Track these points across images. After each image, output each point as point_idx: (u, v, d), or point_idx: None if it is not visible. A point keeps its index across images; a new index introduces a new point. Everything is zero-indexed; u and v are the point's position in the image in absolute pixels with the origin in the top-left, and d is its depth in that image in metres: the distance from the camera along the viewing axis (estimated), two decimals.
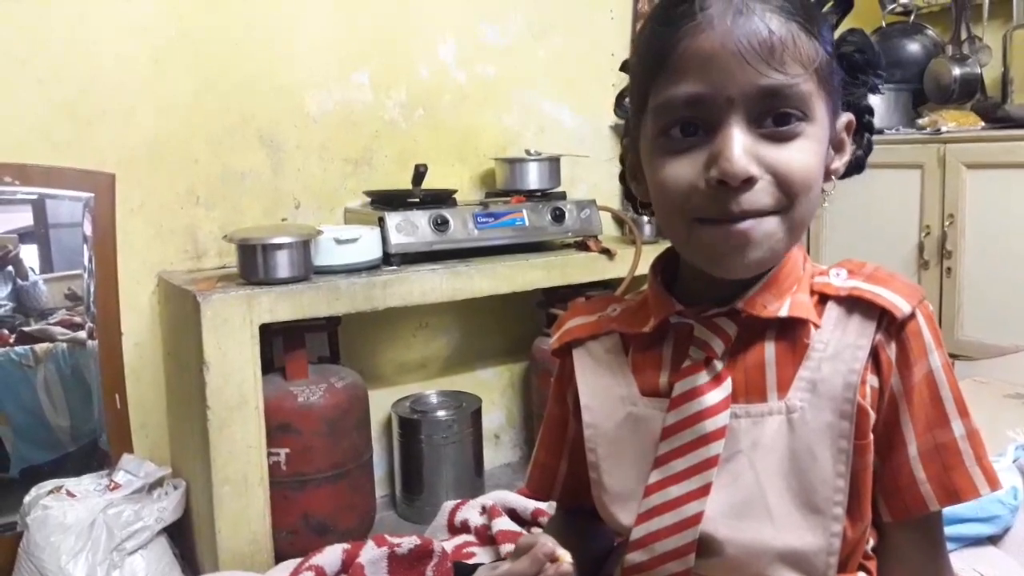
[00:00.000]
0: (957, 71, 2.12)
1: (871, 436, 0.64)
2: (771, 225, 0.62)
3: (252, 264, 1.79)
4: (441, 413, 2.22)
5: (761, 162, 0.60)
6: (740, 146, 0.59)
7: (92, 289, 1.93)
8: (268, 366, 1.97)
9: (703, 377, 0.66)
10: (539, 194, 2.31)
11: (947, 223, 1.94)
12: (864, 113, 0.71)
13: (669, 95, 0.62)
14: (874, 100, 2.26)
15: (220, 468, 1.74)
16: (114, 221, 1.93)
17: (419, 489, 2.20)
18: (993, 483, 0.64)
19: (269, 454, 1.82)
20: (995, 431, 1.35)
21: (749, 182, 0.60)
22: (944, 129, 1.96)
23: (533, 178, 2.31)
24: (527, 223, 2.17)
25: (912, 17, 2.30)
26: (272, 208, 2.13)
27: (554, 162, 2.34)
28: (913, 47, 2.25)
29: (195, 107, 2.01)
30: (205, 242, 2.05)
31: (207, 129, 2.04)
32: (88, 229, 1.92)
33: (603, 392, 0.73)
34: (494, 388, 2.54)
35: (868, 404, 0.64)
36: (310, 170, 2.17)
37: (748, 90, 0.59)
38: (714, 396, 0.65)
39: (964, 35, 2.14)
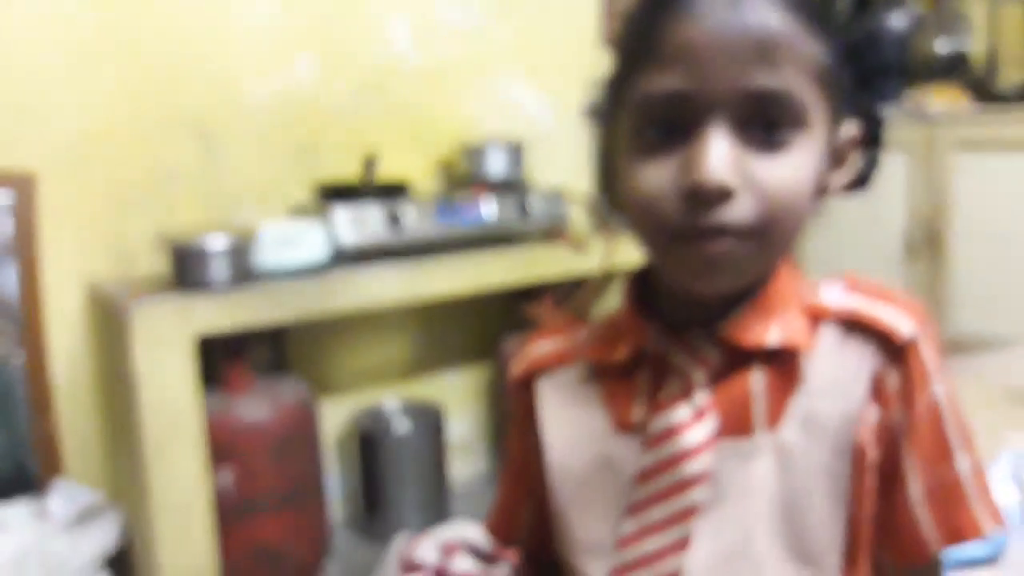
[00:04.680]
0: (942, 46, 2.01)
1: (871, 477, 0.58)
2: (746, 247, 0.55)
3: (186, 270, 1.64)
4: (402, 426, 2.08)
5: (743, 174, 0.54)
6: (719, 154, 0.53)
7: (14, 300, 1.77)
8: (209, 378, 1.82)
9: (683, 411, 0.59)
10: (503, 184, 2.16)
11: (936, 209, 1.83)
12: (873, 124, 0.64)
13: (648, 90, 0.56)
14: None
15: (159, 495, 1.59)
16: (36, 225, 1.76)
17: (380, 507, 2.06)
18: (997, 520, 0.59)
19: (213, 476, 1.68)
20: (990, 437, 1.25)
21: (726, 194, 0.53)
22: (931, 109, 1.85)
23: (496, 167, 2.16)
24: (491, 216, 2.03)
25: None
26: (210, 206, 1.96)
27: (517, 149, 2.20)
28: (897, 21, 2.14)
29: (122, 100, 1.84)
30: (136, 247, 1.88)
31: (135, 123, 1.87)
32: (8, 233, 1.75)
33: (571, 428, 0.66)
34: (460, 393, 2.40)
35: (868, 440, 0.57)
36: (250, 163, 2.00)
37: (736, 92, 0.53)
38: (696, 434, 0.58)
39: (948, 8, 2.04)
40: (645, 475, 0.60)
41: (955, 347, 1.83)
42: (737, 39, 0.53)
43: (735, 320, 0.59)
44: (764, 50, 0.53)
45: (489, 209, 2.02)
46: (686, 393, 0.59)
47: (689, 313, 0.60)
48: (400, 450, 2.04)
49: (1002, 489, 1.05)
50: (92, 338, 1.84)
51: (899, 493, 0.59)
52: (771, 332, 0.59)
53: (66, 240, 1.80)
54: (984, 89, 1.88)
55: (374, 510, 2.07)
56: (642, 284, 0.65)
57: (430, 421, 2.11)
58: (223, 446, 1.70)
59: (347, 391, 2.20)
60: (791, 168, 0.55)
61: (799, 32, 0.54)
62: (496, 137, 2.20)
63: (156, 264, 1.86)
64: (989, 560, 1.01)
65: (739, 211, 0.54)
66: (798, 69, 0.54)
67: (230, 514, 1.71)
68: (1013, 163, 1.72)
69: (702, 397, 0.59)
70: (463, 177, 2.19)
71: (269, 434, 1.74)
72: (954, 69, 2.00)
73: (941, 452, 0.58)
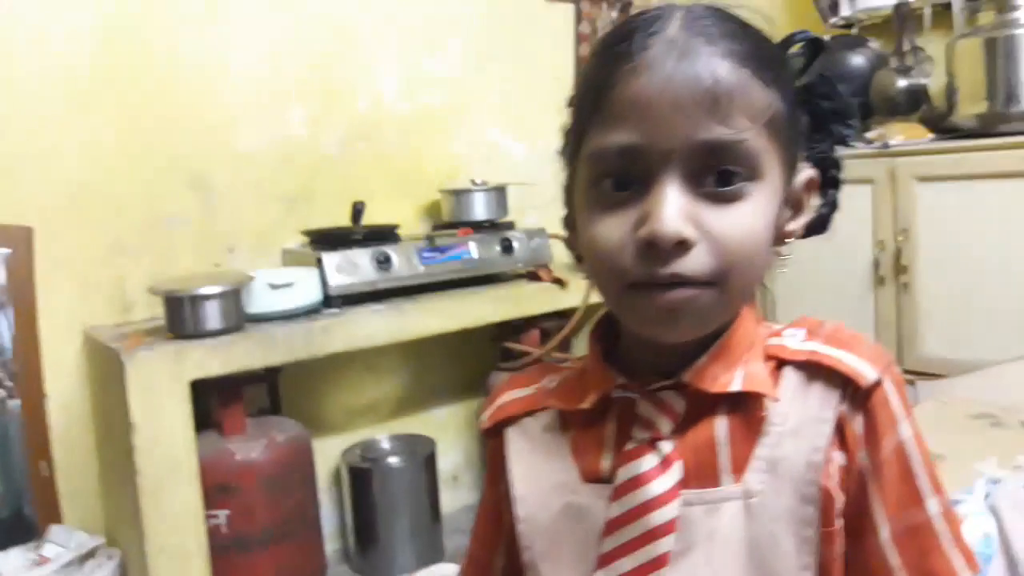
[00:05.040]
0: (902, 83, 2.10)
1: (839, 522, 0.57)
2: (706, 297, 0.55)
3: (180, 317, 1.68)
4: (393, 460, 2.12)
5: (698, 225, 0.54)
6: (674, 206, 0.53)
7: (11, 349, 1.81)
8: (205, 421, 1.86)
9: (649, 461, 0.58)
10: (487, 225, 2.23)
11: (901, 238, 1.90)
12: (830, 167, 0.65)
13: (602, 144, 0.56)
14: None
15: (155, 537, 1.62)
16: (33, 276, 1.81)
17: (373, 541, 2.09)
18: (972, 565, 0.58)
19: (208, 516, 1.71)
20: (961, 463, 1.30)
21: (682, 246, 0.53)
22: (892, 142, 1.93)
23: (480, 209, 2.24)
24: (475, 256, 2.10)
25: (855, 29, 2.28)
26: (205, 253, 2.02)
27: (501, 191, 2.27)
28: (857, 60, 2.23)
29: (118, 151, 1.90)
30: (134, 294, 1.93)
31: (132, 173, 1.93)
32: (3, 283, 1.80)
33: (539, 479, 0.64)
34: (450, 427, 2.44)
35: (834, 485, 0.57)
36: (244, 211, 2.07)
37: (688, 144, 0.53)
38: (662, 483, 0.57)
39: (907, 46, 2.13)
40: (613, 526, 0.59)
41: (923, 373, 1.89)
42: (687, 92, 0.52)
43: (698, 367, 0.58)
44: (714, 101, 0.52)
45: (474, 249, 2.09)
46: (652, 442, 0.59)
47: (653, 360, 0.60)
48: (392, 483, 2.08)
49: (977, 517, 1.05)
50: (88, 384, 1.88)
51: (869, 537, 0.58)
52: (734, 378, 0.58)
53: (64, 288, 1.85)
54: (943, 123, 1.95)
55: (367, 544, 2.10)
56: (607, 331, 0.65)
57: (421, 454, 2.15)
58: (218, 486, 1.74)
59: (340, 429, 2.24)
60: (746, 218, 0.55)
61: (749, 82, 0.54)
62: (479, 180, 2.27)
63: (153, 310, 1.92)
64: None
65: (696, 262, 0.53)
66: (749, 119, 0.54)
67: (226, 552, 1.74)
68: (971, 193, 1.79)
69: (667, 446, 0.58)
70: (449, 219, 2.26)
71: (263, 473, 1.78)
72: (915, 104, 2.08)
73: (910, 495, 0.57)
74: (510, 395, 0.70)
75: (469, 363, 2.40)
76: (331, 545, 2.17)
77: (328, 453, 2.17)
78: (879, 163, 1.93)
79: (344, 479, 2.13)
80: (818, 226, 0.65)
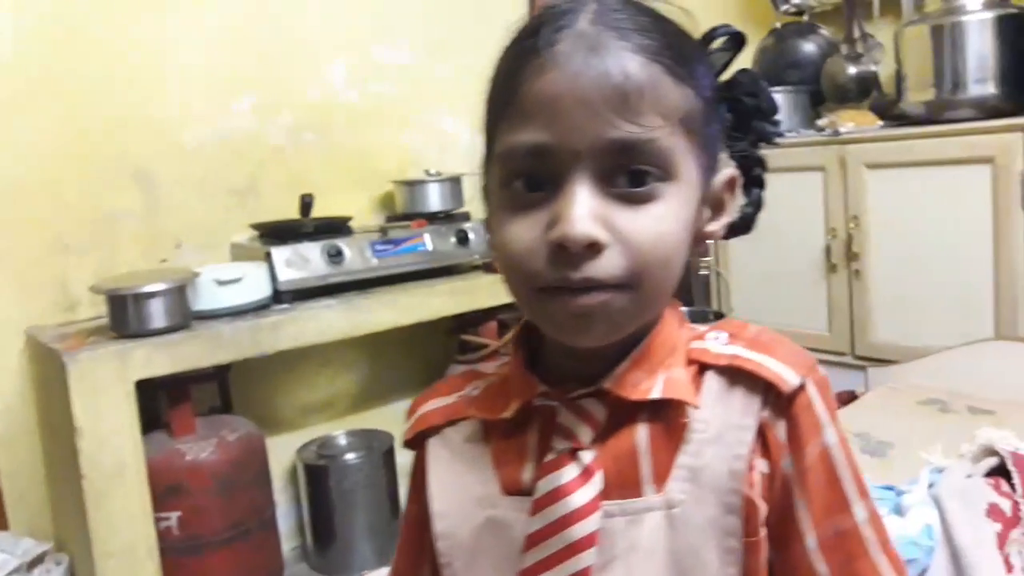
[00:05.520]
0: (852, 70, 2.11)
1: (763, 531, 0.55)
2: (619, 300, 0.53)
3: (123, 316, 1.64)
4: (350, 456, 2.09)
5: (610, 227, 0.52)
6: (584, 207, 0.51)
7: None
8: (154, 422, 1.82)
9: (570, 472, 0.56)
10: (442, 216, 2.21)
11: (852, 225, 1.91)
12: (754, 165, 0.63)
13: (511, 143, 0.54)
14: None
15: (102, 541, 1.58)
16: None
17: (331, 539, 2.07)
18: (899, 570, 0.57)
19: (159, 519, 1.68)
20: (909, 452, 1.31)
21: (593, 248, 0.51)
22: (843, 130, 1.94)
23: (435, 200, 2.21)
24: (430, 247, 2.07)
25: (806, 17, 2.29)
26: (151, 250, 1.98)
27: (455, 182, 2.25)
28: (808, 47, 2.24)
29: (59, 147, 1.85)
30: (78, 292, 1.88)
31: (75, 170, 1.88)
32: None
33: (459, 493, 0.62)
34: None
35: (758, 494, 0.55)
36: (190, 206, 2.02)
37: (597, 143, 0.51)
38: (582, 495, 0.55)
39: (857, 33, 2.14)
40: (534, 540, 0.56)
41: (875, 359, 1.91)
42: (596, 89, 0.50)
43: (619, 373, 0.56)
44: (624, 99, 0.50)
45: (428, 241, 2.06)
46: (572, 452, 0.56)
47: (575, 367, 0.58)
48: (349, 480, 2.05)
49: (920, 508, 1.04)
50: (32, 386, 1.84)
51: (795, 545, 0.56)
52: (655, 384, 0.56)
53: (6, 288, 1.80)
54: (892, 110, 1.97)
55: (326, 542, 2.08)
56: (531, 336, 0.62)
57: (379, 449, 2.13)
58: (168, 488, 1.70)
59: (296, 426, 2.21)
60: (659, 219, 0.53)
61: (661, 78, 0.52)
62: (434, 170, 2.25)
63: (99, 308, 1.87)
64: None
65: (608, 264, 0.52)
66: (661, 116, 0.52)
67: (178, 554, 1.71)
68: (920, 180, 1.81)
69: (588, 456, 0.56)
70: (403, 210, 2.23)
71: (214, 473, 1.75)
72: (866, 91, 2.10)
73: (836, 501, 0.56)
74: (432, 404, 0.67)
75: (427, 356, 2.38)
76: (289, 544, 2.15)
77: (284, 451, 2.14)
78: (829, 150, 1.94)
79: (300, 477, 2.11)
80: (742, 226, 0.63)
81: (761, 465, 0.55)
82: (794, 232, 2.02)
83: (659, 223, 0.53)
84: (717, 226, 0.60)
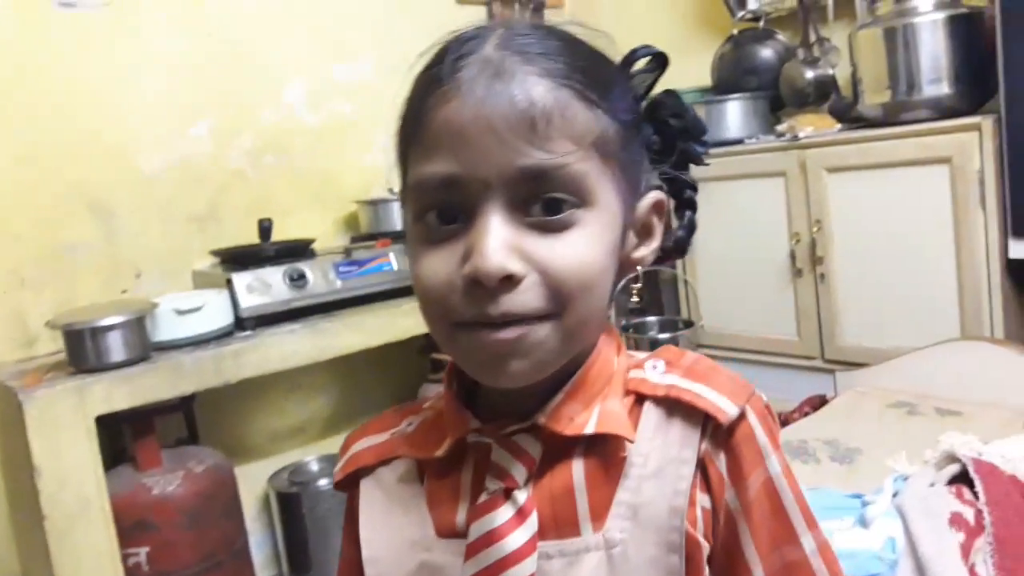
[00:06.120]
0: (810, 74, 2.11)
1: (707, 570, 0.53)
2: (541, 333, 0.51)
3: (81, 350, 1.61)
4: (323, 482, 2.07)
5: (527, 257, 0.50)
6: (497, 239, 0.49)
7: None
8: (120, 456, 1.79)
9: (504, 513, 0.53)
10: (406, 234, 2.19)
11: (815, 229, 1.91)
12: (685, 188, 0.61)
13: (421, 175, 0.52)
14: (732, 109, 2.19)
15: None
16: None
17: (307, 566, 2.04)
18: None
19: (127, 555, 1.65)
20: (876, 459, 1.30)
21: (510, 281, 0.49)
22: (802, 135, 1.94)
23: (399, 218, 2.19)
24: (396, 267, 2.05)
25: (762, 23, 2.30)
26: (110, 281, 1.95)
27: None
28: (766, 53, 2.24)
29: (13, 178, 1.82)
30: (36, 327, 1.85)
31: (28, 201, 1.85)
32: None
33: (391, 536, 0.59)
34: None
35: (700, 531, 0.53)
36: (150, 234, 2.00)
37: (506, 172, 0.49)
38: (518, 537, 0.53)
39: (813, 37, 2.14)
40: None
41: (844, 362, 1.91)
42: (501, 116, 0.49)
43: (553, 407, 0.54)
44: (531, 125, 0.49)
45: (394, 261, 2.04)
46: (506, 492, 0.54)
47: (508, 401, 0.55)
48: (322, 506, 2.02)
49: (883, 520, 1.03)
50: None
51: None
52: (591, 418, 0.54)
53: None
54: (850, 113, 1.97)
55: (301, 570, 2.05)
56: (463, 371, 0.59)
57: None
58: (136, 523, 1.67)
59: (267, 454, 2.18)
60: (578, 247, 0.51)
61: (571, 103, 0.50)
62: (397, 189, 2.22)
63: (59, 343, 1.83)
64: None
65: (527, 297, 0.50)
66: (573, 142, 0.50)
67: None
68: (879, 182, 1.81)
69: (522, 495, 0.54)
70: (368, 230, 2.21)
71: (182, 507, 1.72)
72: (824, 95, 2.10)
73: (783, 533, 0.54)
74: (364, 443, 0.64)
75: (399, 376, 2.36)
76: (265, 573, 2.12)
77: (256, 479, 2.11)
78: (790, 155, 1.94)
79: (273, 505, 2.08)
80: (676, 250, 0.62)
81: (703, 500, 0.54)
82: (759, 238, 2.02)
83: (578, 250, 0.51)
84: (646, 251, 0.58)
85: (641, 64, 0.59)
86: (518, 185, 0.50)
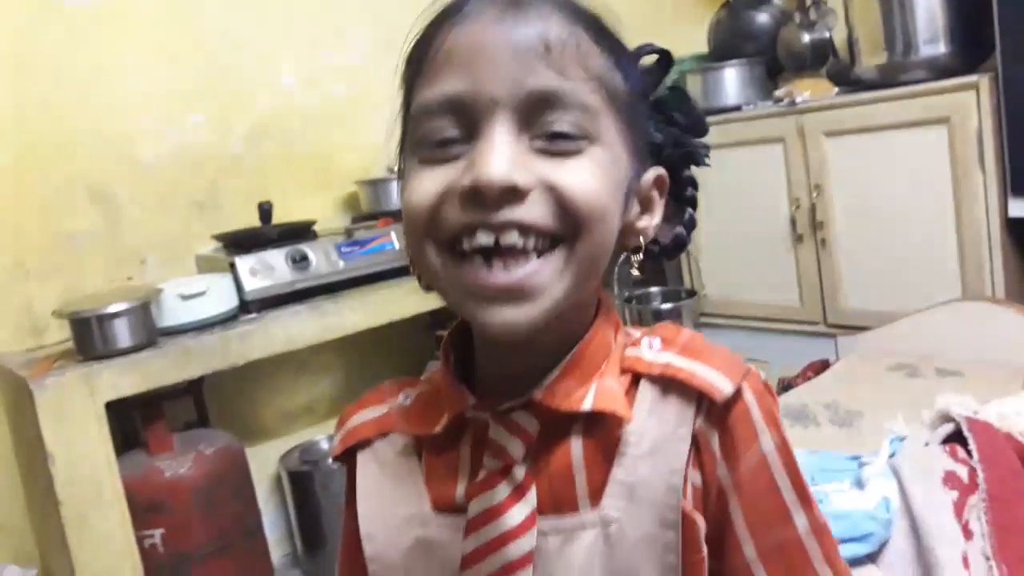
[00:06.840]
0: (807, 38, 2.10)
1: (705, 548, 0.53)
2: (550, 263, 0.49)
3: (88, 338, 1.63)
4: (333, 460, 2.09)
5: (534, 173, 0.48)
6: (504, 149, 0.47)
7: None
8: (132, 441, 1.82)
9: (503, 490, 0.53)
10: None
11: (815, 194, 1.91)
12: (687, 185, 0.61)
13: (427, 97, 0.51)
14: (730, 75, 2.18)
15: (85, 564, 1.59)
16: None
17: (321, 543, 2.07)
18: None
19: (142, 537, 1.68)
20: (877, 421, 1.31)
21: (514, 194, 0.47)
22: (799, 99, 1.93)
23: (398, 197, 2.19)
24: (398, 246, 2.06)
25: None
26: (115, 268, 1.96)
27: None
28: (762, 18, 2.23)
29: (15, 171, 1.84)
30: (44, 316, 1.87)
31: (31, 193, 1.86)
32: None
33: (388, 512, 0.59)
34: None
35: (695, 507, 0.53)
36: (151, 221, 2.01)
37: (516, 90, 0.48)
38: (517, 514, 0.53)
39: (809, 1, 2.12)
40: (468, 561, 0.54)
41: (846, 326, 1.92)
42: (516, 38, 0.49)
43: (550, 383, 0.53)
44: (547, 48, 0.49)
45: (395, 239, 2.05)
46: (505, 469, 0.54)
47: (506, 375, 0.55)
48: (334, 484, 2.04)
49: (877, 480, 1.04)
50: (5, 414, 1.83)
51: (734, 555, 0.54)
52: (588, 394, 0.53)
53: None
54: (847, 76, 1.96)
55: (316, 547, 2.08)
56: (461, 344, 0.59)
57: None
58: (149, 505, 1.70)
59: (277, 434, 2.21)
60: (586, 173, 0.49)
61: (585, 40, 0.50)
62: (396, 168, 2.22)
63: (67, 332, 1.85)
64: (871, 556, 0.99)
65: (532, 208, 0.48)
66: (582, 74, 0.50)
67: (164, 571, 1.71)
68: (877, 145, 1.80)
69: (521, 472, 0.54)
70: (368, 210, 2.22)
71: (194, 488, 1.75)
72: (822, 59, 2.09)
73: (776, 511, 0.54)
74: (362, 416, 0.64)
75: (406, 354, 2.38)
76: (279, 551, 2.15)
77: (267, 459, 2.14)
78: (788, 120, 1.94)
79: (285, 484, 2.11)
80: (674, 248, 0.61)
81: (694, 477, 0.53)
82: (759, 205, 2.02)
83: (585, 176, 0.49)
84: (648, 223, 0.57)
85: (646, 62, 0.59)
86: (527, 106, 0.49)
